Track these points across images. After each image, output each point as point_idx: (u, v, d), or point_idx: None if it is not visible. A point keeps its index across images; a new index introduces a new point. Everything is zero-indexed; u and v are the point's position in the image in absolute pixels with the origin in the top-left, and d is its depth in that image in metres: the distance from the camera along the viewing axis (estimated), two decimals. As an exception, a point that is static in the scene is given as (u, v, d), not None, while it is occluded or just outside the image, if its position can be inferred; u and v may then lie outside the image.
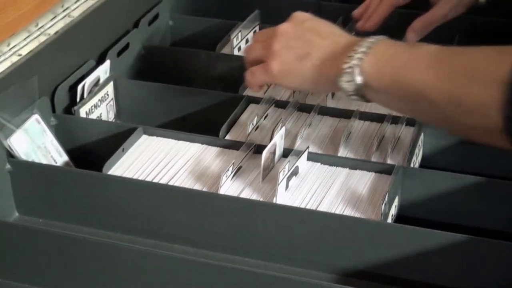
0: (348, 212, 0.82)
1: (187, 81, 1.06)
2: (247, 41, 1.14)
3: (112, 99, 1.02)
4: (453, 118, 0.62)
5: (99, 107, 0.99)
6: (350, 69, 0.71)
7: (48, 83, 0.94)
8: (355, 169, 0.87)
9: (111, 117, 1.03)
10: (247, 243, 0.81)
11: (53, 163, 0.91)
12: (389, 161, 0.89)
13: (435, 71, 0.62)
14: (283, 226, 0.80)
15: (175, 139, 0.93)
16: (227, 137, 0.94)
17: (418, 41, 1.01)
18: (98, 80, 0.99)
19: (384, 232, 0.77)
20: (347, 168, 0.88)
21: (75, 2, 1.03)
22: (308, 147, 0.87)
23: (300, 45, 0.79)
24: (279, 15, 1.23)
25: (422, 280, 0.77)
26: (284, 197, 0.83)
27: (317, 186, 0.85)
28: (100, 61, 1.02)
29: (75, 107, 0.96)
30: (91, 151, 0.95)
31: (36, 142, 0.89)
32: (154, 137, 0.93)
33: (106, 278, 0.78)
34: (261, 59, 0.83)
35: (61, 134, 0.94)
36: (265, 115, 0.97)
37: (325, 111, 0.98)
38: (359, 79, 0.70)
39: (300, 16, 0.83)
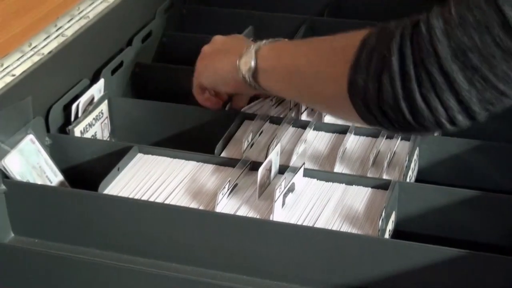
0: (345, 228, 0.82)
1: (182, 98, 1.06)
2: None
3: (106, 117, 1.02)
4: (315, 88, 0.79)
5: (94, 126, 0.99)
6: (248, 51, 0.86)
7: (42, 102, 0.94)
8: (352, 184, 0.87)
9: (105, 135, 1.02)
10: (244, 261, 0.81)
11: (48, 183, 0.90)
12: (385, 176, 0.89)
13: (306, 55, 0.81)
14: (281, 243, 0.79)
15: (171, 157, 0.93)
16: (223, 154, 0.94)
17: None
18: (93, 99, 0.99)
19: (382, 248, 0.77)
20: (344, 184, 0.87)
21: (68, 21, 1.02)
22: (304, 163, 0.87)
23: (221, 47, 0.96)
24: (272, 31, 1.23)
25: (420, 295, 0.77)
26: (281, 214, 0.83)
27: (314, 203, 0.85)
28: (94, 79, 1.02)
29: (70, 127, 0.95)
30: (86, 170, 0.95)
31: (31, 162, 0.88)
32: (150, 156, 0.93)
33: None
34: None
35: (56, 153, 0.93)
36: (260, 131, 0.97)
37: (320, 127, 0.98)
38: (253, 61, 0.86)
39: (219, 36, 0.98)
